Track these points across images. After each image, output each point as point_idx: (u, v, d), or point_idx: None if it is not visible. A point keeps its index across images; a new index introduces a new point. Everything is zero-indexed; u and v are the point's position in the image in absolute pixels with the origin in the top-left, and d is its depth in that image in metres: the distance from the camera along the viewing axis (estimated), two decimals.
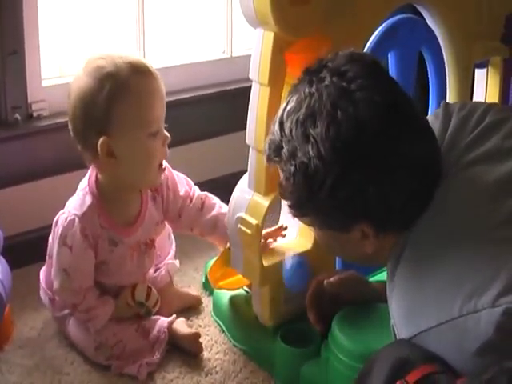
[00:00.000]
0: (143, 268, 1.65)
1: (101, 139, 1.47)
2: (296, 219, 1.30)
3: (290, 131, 1.17)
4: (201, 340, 1.61)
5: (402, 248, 1.17)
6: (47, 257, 1.65)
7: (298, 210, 1.24)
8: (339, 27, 1.46)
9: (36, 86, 1.91)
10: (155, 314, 1.64)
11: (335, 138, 1.12)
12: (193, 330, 1.62)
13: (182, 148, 2.17)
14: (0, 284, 1.54)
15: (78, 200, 1.56)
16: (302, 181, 1.16)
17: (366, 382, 1.08)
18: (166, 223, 1.73)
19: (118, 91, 1.46)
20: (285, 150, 1.18)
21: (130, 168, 1.52)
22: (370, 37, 1.57)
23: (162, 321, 1.61)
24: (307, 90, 1.17)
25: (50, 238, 1.62)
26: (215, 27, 2.36)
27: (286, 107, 1.20)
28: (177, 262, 1.78)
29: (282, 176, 1.23)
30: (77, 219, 1.53)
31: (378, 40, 1.58)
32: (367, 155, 1.13)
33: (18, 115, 1.87)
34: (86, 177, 1.60)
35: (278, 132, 1.20)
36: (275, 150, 1.21)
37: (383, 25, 1.60)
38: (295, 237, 1.63)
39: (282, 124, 1.19)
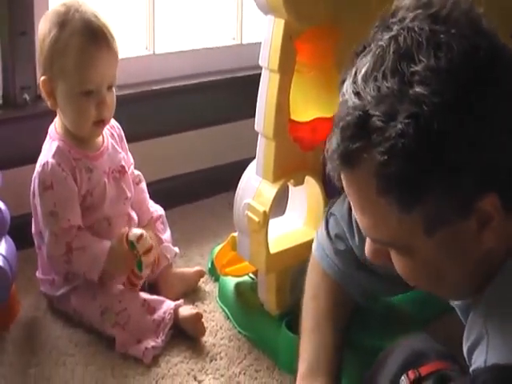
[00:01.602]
0: (124, 195, 1.68)
1: (41, 78, 1.59)
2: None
3: (378, 89, 0.87)
4: (206, 326, 1.62)
5: None
6: (36, 248, 1.68)
7: (412, 195, 0.89)
8: (350, 16, 1.45)
9: None
10: (159, 294, 1.65)
11: (450, 62, 0.85)
12: (194, 311, 1.62)
13: (191, 134, 2.18)
14: (6, 261, 1.54)
15: (45, 150, 1.63)
16: (415, 139, 0.84)
17: (380, 371, 1.09)
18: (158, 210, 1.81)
19: (60, 43, 1.55)
20: (376, 115, 0.86)
21: (64, 116, 1.62)
22: None
23: (169, 303, 1.62)
24: (386, 37, 0.90)
25: (33, 228, 1.67)
26: (225, 13, 2.36)
27: (355, 75, 0.91)
28: (176, 249, 1.80)
29: (373, 163, 0.88)
30: (50, 160, 1.59)
31: None
32: (493, 83, 0.87)
33: (26, 95, 1.87)
34: (48, 135, 1.66)
35: (357, 103, 0.88)
36: (359, 128, 0.88)
37: None
38: (301, 226, 1.63)
39: (358, 93, 0.89)
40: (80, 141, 1.63)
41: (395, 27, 0.91)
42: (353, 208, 0.98)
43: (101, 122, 1.61)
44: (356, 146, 0.89)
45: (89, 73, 1.55)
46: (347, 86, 0.91)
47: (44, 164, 1.59)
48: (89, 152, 1.64)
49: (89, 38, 1.54)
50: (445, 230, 0.92)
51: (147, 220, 1.79)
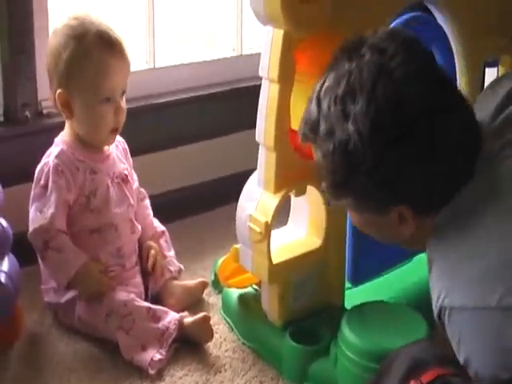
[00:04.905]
0: (127, 201, 1.72)
1: (58, 90, 1.63)
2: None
3: (328, 108, 1.14)
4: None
5: (442, 224, 1.14)
6: (39, 259, 1.69)
7: (336, 192, 1.20)
8: (350, 24, 1.45)
9: (46, 84, 1.89)
10: (163, 306, 1.64)
11: (375, 115, 1.09)
12: (202, 314, 1.62)
13: (192, 146, 2.18)
14: (8, 278, 1.54)
15: (47, 153, 1.67)
16: (341, 159, 1.13)
17: (383, 380, 1.08)
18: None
19: (78, 56, 1.60)
20: (322, 127, 1.14)
21: (81, 125, 1.66)
22: None
23: (174, 314, 1.61)
24: (346, 67, 1.14)
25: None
26: (225, 25, 2.36)
27: (323, 84, 1.17)
28: (181, 266, 1.82)
29: (317, 155, 1.19)
30: (51, 160, 1.64)
31: None
32: (409, 133, 1.10)
33: (27, 113, 1.88)
34: (53, 144, 1.70)
35: (316, 109, 1.16)
36: (312, 128, 1.17)
37: (393, 23, 1.59)
38: (304, 236, 1.63)
39: (319, 101, 1.16)
40: (89, 147, 1.68)
41: (354, 62, 1.14)
42: None
43: (115, 130, 1.67)
44: (310, 136, 1.19)
45: (107, 81, 1.62)
46: (317, 88, 1.18)
47: (44, 164, 1.65)
48: (94, 155, 1.68)
49: (107, 49, 1.61)
50: (370, 215, 1.21)
51: (151, 234, 1.80)
